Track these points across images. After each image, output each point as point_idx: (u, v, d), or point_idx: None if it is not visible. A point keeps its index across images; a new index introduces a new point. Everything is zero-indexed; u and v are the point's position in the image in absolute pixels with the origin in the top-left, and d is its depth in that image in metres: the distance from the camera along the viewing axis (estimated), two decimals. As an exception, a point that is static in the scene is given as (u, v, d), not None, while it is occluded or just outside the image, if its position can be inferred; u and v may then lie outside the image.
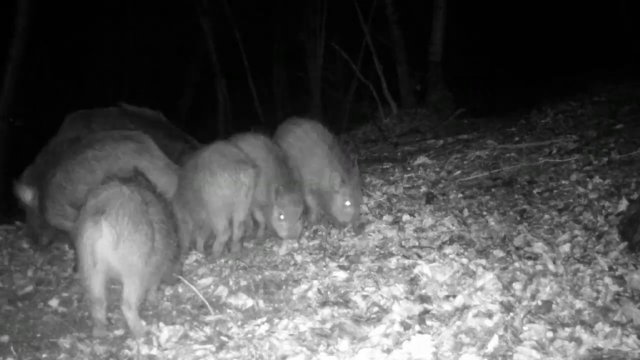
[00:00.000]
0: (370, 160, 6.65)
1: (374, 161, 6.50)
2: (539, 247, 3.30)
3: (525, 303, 2.62)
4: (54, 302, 3.35)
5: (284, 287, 3.21)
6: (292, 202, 3.89)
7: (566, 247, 3.27)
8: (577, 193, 4.14)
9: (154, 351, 2.57)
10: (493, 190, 4.59)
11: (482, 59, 12.47)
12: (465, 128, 7.88)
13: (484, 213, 4.05)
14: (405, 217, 4.04)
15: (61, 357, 2.64)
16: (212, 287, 3.34)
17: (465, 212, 4.08)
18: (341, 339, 2.44)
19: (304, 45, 13.22)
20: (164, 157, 3.95)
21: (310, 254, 3.68)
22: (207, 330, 2.73)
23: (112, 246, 2.66)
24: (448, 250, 3.34)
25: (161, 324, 2.80)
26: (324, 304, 2.86)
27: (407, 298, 2.78)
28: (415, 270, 3.06)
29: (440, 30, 9.81)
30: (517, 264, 3.03)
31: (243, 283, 3.34)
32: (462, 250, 3.33)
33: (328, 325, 2.61)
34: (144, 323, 2.85)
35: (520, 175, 4.84)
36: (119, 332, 2.87)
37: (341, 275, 3.19)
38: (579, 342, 2.27)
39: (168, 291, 3.32)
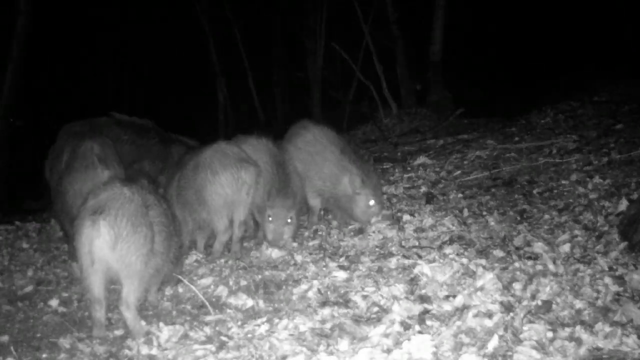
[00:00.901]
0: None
1: (374, 161, 6.50)
2: (539, 247, 3.29)
3: (525, 303, 2.61)
4: (54, 302, 3.36)
5: (284, 287, 3.21)
6: (282, 205, 3.89)
7: (566, 247, 3.26)
8: (577, 193, 4.14)
9: (154, 351, 2.57)
10: (493, 190, 4.59)
11: (482, 59, 12.46)
12: (465, 128, 7.88)
13: (484, 213, 4.05)
14: (406, 217, 4.03)
15: (61, 357, 2.64)
16: (212, 287, 3.34)
17: (465, 212, 4.08)
18: (341, 339, 2.44)
19: (304, 45, 13.22)
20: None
21: (310, 254, 3.69)
22: (207, 330, 2.72)
23: (109, 246, 2.66)
24: (448, 250, 3.34)
25: (161, 324, 2.79)
26: (324, 304, 2.86)
27: (407, 298, 2.78)
28: (415, 270, 3.06)
29: (441, 30, 9.81)
30: (517, 264, 3.02)
31: (243, 283, 3.34)
32: (462, 250, 3.33)
33: (328, 325, 2.61)
34: (143, 323, 2.85)
35: (520, 175, 4.84)
36: (119, 332, 2.88)
37: (341, 275, 3.19)
38: (579, 342, 2.27)
39: (168, 291, 3.33)
